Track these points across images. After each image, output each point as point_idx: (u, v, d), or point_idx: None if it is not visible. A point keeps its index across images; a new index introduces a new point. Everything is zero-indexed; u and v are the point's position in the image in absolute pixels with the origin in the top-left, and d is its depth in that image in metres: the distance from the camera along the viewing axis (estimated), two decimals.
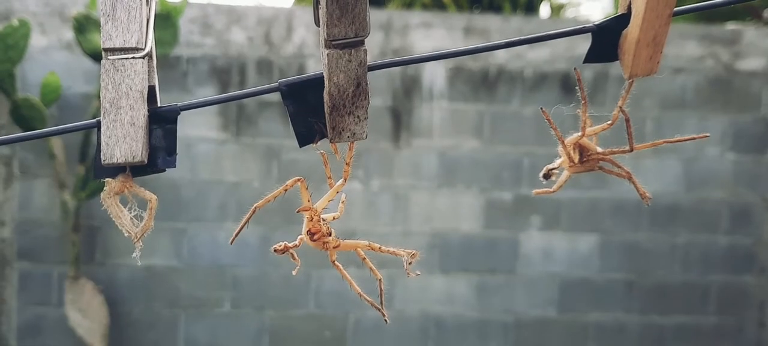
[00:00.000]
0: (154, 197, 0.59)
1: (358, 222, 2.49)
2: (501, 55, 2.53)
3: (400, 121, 2.51)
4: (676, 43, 2.57)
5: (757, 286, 2.66)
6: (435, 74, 2.50)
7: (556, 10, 3.86)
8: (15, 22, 2.09)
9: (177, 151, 0.58)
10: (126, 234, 0.58)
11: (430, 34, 2.50)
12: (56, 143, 2.32)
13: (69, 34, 2.35)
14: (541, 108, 0.69)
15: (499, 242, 2.57)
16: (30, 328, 2.44)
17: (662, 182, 2.59)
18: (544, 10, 3.73)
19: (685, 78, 2.58)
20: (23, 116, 2.11)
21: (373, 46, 2.47)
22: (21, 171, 2.40)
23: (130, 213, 0.58)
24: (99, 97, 2.27)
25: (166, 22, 2.23)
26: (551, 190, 0.72)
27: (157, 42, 2.24)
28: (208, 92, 2.43)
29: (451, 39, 2.50)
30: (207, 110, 2.43)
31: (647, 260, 2.62)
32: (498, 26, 2.54)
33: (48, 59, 2.37)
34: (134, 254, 0.57)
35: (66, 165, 2.34)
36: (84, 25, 2.12)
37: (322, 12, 0.56)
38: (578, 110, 0.67)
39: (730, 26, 2.96)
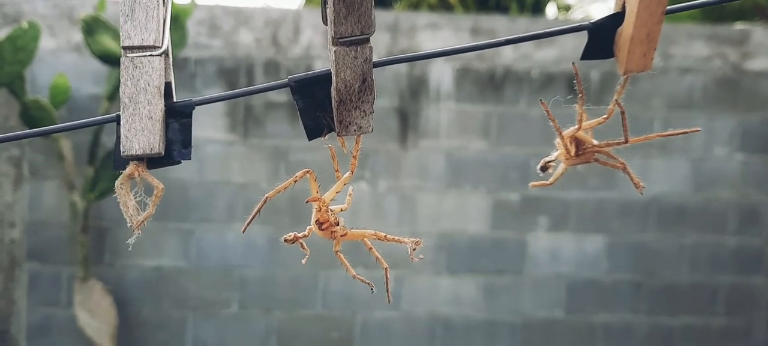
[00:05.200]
0: (161, 185, 0.62)
1: (365, 223, 2.50)
2: (508, 56, 2.53)
3: (407, 122, 2.51)
4: (684, 43, 2.57)
5: (765, 287, 2.65)
6: (442, 75, 2.51)
7: (564, 10, 3.85)
8: (24, 24, 2.11)
9: (192, 144, 0.62)
10: (128, 221, 0.60)
11: (437, 35, 2.51)
12: (65, 145, 2.34)
13: (78, 37, 2.37)
14: (541, 100, 0.70)
15: (507, 243, 2.57)
16: (39, 328, 2.45)
17: (670, 182, 2.59)
18: (551, 11, 3.72)
19: (693, 78, 2.58)
20: (33, 118, 2.13)
21: (380, 46, 2.48)
22: (30, 172, 2.42)
23: (136, 198, 0.60)
24: (107, 98, 2.30)
25: (173, 23, 2.24)
26: (548, 182, 0.74)
27: None
28: (216, 94, 2.44)
29: (457, 40, 2.50)
30: (215, 112, 2.44)
31: (655, 260, 2.62)
32: (505, 27, 2.54)
33: (57, 61, 2.39)
34: (129, 240, 0.60)
35: (75, 166, 2.36)
36: (93, 27, 2.13)
37: (329, 11, 0.59)
38: (575, 105, 0.69)
39: (738, 26, 2.95)
